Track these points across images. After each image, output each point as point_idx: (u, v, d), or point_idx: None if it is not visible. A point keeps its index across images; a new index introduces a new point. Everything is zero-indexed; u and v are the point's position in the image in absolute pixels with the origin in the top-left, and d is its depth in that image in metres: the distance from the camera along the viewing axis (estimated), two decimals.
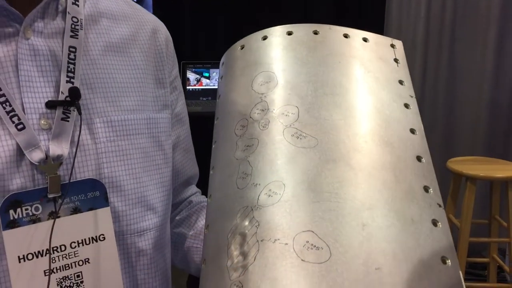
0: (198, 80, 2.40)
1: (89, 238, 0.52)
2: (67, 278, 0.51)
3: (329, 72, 0.45)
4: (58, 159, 0.50)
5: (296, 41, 0.47)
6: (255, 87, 0.46)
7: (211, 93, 2.42)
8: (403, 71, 0.47)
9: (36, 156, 0.49)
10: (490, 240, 2.16)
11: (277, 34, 0.48)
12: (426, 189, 0.39)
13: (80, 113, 0.52)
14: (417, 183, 0.39)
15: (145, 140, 0.59)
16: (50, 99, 0.51)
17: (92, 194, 0.53)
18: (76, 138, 0.52)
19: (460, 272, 0.36)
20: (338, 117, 0.42)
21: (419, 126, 0.44)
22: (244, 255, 0.36)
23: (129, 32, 0.61)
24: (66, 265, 0.51)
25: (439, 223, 0.37)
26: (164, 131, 0.62)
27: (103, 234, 0.53)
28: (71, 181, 0.51)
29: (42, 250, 0.50)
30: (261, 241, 0.36)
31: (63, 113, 0.52)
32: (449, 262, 0.35)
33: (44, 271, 0.50)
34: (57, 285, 0.50)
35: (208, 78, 2.41)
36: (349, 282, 0.33)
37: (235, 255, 0.37)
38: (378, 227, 0.36)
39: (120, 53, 0.59)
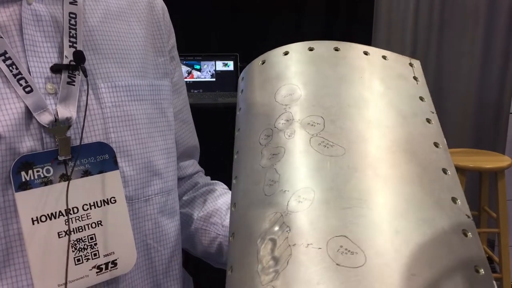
0: (189, 73, 2.40)
1: (100, 201, 0.52)
2: (81, 240, 0.51)
3: (351, 87, 0.45)
4: (67, 122, 0.50)
5: (318, 57, 0.47)
6: (278, 99, 0.45)
7: (202, 86, 2.42)
8: (422, 89, 0.48)
9: (45, 118, 0.49)
10: (479, 231, 2.18)
11: (298, 49, 0.49)
12: (454, 200, 0.39)
13: (86, 76, 0.52)
14: (445, 194, 0.39)
15: (149, 106, 0.59)
16: (55, 63, 0.51)
17: (101, 157, 0.53)
18: (82, 103, 0.52)
19: (494, 282, 0.36)
20: (364, 128, 0.42)
21: (442, 140, 0.44)
22: (275, 259, 0.35)
23: (126, 1, 0.62)
24: (80, 227, 0.51)
25: (469, 234, 0.37)
26: (166, 98, 0.62)
27: (114, 197, 0.53)
28: (80, 144, 0.51)
29: (56, 212, 0.50)
30: (293, 245, 0.35)
31: (69, 77, 0.52)
32: (482, 271, 0.35)
33: (58, 233, 0.50)
34: (72, 247, 0.50)
35: (199, 70, 2.41)
36: (386, 287, 0.33)
37: (266, 260, 0.36)
38: (411, 234, 0.36)
39: (119, 21, 0.59)
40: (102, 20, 0.57)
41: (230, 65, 2.46)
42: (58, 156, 0.50)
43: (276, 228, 0.37)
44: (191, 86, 2.41)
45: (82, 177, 0.51)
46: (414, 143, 0.42)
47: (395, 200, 0.37)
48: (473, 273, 0.35)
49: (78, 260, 0.51)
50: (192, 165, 0.74)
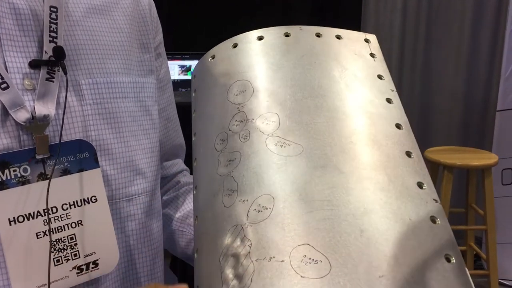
0: (182, 70, 2.38)
1: (80, 200, 0.51)
2: (60, 241, 0.50)
3: (305, 74, 0.43)
4: (45, 119, 0.49)
5: (268, 46, 0.46)
6: (230, 98, 0.44)
7: (189, 85, 2.41)
8: (380, 65, 0.46)
9: (22, 116, 0.48)
10: (467, 228, 2.20)
11: (247, 40, 0.47)
12: (420, 185, 0.38)
13: (65, 73, 0.51)
14: (410, 180, 0.38)
15: (132, 104, 0.58)
16: (33, 58, 0.50)
17: (81, 155, 0.52)
18: (61, 100, 0.51)
19: (466, 269, 0.34)
20: (321, 120, 0.40)
21: (404, 120, 0.42)
22: (239, 278, 0.34)
23: None
24: (59, 228, 0.50)
25: (438, 220, 0.36)
26: (150, 96, 0.61)
27: (94, 196, 0.52)
28: (59, 142, 0.50)
29: (34, 212, 0.48)
30: (256, 260, 0.34)
31: (48, 73, 0.50)
32: (453, 260, 0.34)
33: (37, 233, 0.48)
34: (51, 247, 0.49)
35: (188, 69, 2.39)
36: None
37: (230, 279, 0.35)
38: (376, 231, 0.34)
39: (103, 16, 0.58)
40: (85, 14, 0.56)
41: None
42: (36, 155, 0.49)
43: (238, 243, 0.36)
44: (179, 84, 2.39)
45: (61, 176, 0.50)
46: (375, 128, 0.41)
47: (359, 196, 0.36)
48: (444, 263, 0.34)
49: (58, 261, 0.49)
50: (176, 164, 0.73)
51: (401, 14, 2.54)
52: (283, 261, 0.33)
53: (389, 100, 0.43)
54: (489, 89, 2.53)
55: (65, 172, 0.50)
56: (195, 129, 0.47)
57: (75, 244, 0.51)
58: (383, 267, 0.32)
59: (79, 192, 0.51)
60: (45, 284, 0.48)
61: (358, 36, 0.48)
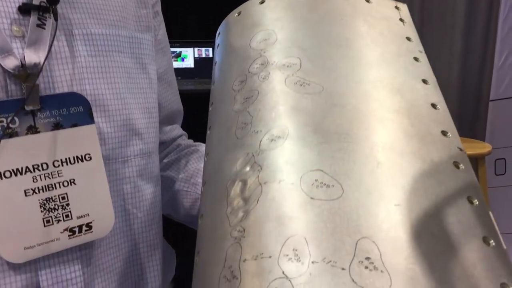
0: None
1: (73, 157, 0.47)
2: (51, 200, 0.46)
3: (331, 27, 0.42)
4: (36, 68, 0.45)
5: (296, 2, 0.45)
6: (253, 45, 0.43)
7: (181, 73, 2.37)
8: (409, 29, 0.45)
9: (10, 63, 0.44)
10: None
11: None
12: (444, 133, 0.36)
13: (56, 19, 0.47)
14: (434, 128, 0.36)
15: (128, 60, 0.54)
16: (23, 2, 0.46)
17: (75, 109, 0.48)
18: (54, 49, 0.47)
19: (491, 213, 0.33)
20: (344, 65, 0.39)
21: (431, 77, 0.41)
22: (245, 200, 0.33)
23: None
24: (50, 185, 0.46)
25: (461, 165, 0.34)
26: (147, 54, 0.57)
27: (89, 154, 0.48)
28: (50, 94, 0.46)
29: (22, 168, 0.44)
30: (265, 183, 0.33)
31: (39, 19, 0.46)
32: (476, 202, 0.32)
33: (25, 191, 0.44)
34: (40, 206, 0.45)
35: (179, 56, 2.36)
36: (364, 218, 0.29)
37: (235, 202, 0.33)
38: (394, 165, 0.33)
39: None
40: None
41: (210, 52, 2.41)
42: (25, 106, 0.45)
43: (247, 169, 0.34)
44: None
45: (52, 130, 0.46)
46: (400, 79, 0.39)
47: (379, 133, 0.35)
48: (466, 204, 0.32)
49: (48, 221, 0.45)
50: (175, 129, 0.70)
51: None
52: (293, 183, 0.32)
53: (416, 59, 0.42)
54: (482, 79, 2.52)
55: (57, 126, 0.47)
56: (214, 79, 0.46)
57: (67, 204, 0.47)
58: (400, 197, 0.31)
59: (72, 148, 0.47)
60: (34, 246, 0.44)
61: (389, 3, 0.47)
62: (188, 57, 2.39)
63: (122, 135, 0.52)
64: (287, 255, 0.28)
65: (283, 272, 0.28)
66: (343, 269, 0.27)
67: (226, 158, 0.37)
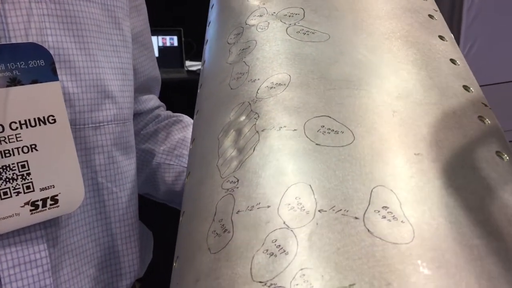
0: None
1: (34, 119, 0.40)
2: (8, 168, 0.39)
3: None
4: None
5: None
6: (251, 0, 0.39)
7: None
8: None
9: None
10: None
11: None
12: (466, 88, 0.33)
13: None
14: (455, 81, 0.32)
15: (98, 11, 0.47)
16: None
17: (34, 62, 0.41)
18: None
19: None
20: (353, 16, 0.35)
21: (449, 35, 0.37)
22: (240, 149, 0.29)
23: None
24: (6, 151, 0.39)
25: (487, 120, 0.31)
26: (120, 7, 0.51)
27: (52, 116, 0.41)
28: (6, 43, 0.39)
29: None
30: (262, 131, 0.28)
31: None
32: (506, 157, 0.28)
33: None
34: None
35: None
36: (380, 166, 0.25)
37: (228, 152, 0.29)
38: (413, 113, 0.29)
39: None
40: None
41: (174, 41, 2.33)
42: None
43: (243, 118, 0.30)
44: None
45: (8, 86, 0.39)
46: (414, 34, 0.35)
47: (394, 81, 0.31)
48: (495, 158, 0.28)
49: (5, 193, 0.38)
50: (152, 100, 0.63)
51: None
52: (295, 130, 0.28)
53: (431, 16, 0.38)
54: None
55: (14, 81, 0.39)
56: (207, 37, 0.42)
57: (28, 174, 0.40)
58: (421, 146, 0.27)
59: (32, 108, 0.40)
60: None
61: None
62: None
63: (92, 97, 0.45)
64: (289, 204, 0.25)
65: (284, 222, 0.24)
66: (356, 218, 0.23)
67: (219, 110, 0.32)
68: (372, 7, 0.37)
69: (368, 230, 0.23)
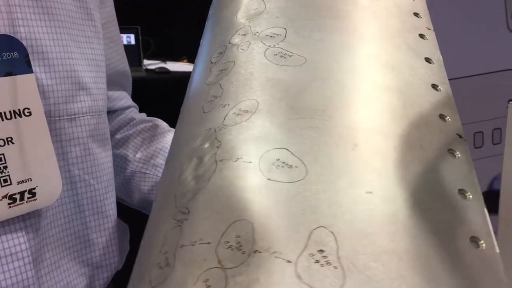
0: None
1: (10, 112, 0.40)
2: None
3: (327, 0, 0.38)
4: None
5: None
6: (239, 15, 0.39)
7: None
8: (420, 4, 0.41)
9: None
10: None
11: None
12: (442, 117, 0.32)
13: None
14: (432, 110, 0.31)
15: (70, 2, 0.47)
16: None
17: (8, 55, 0.40)
18: None
19: (485, 209, 0.28)
20: (334, 38, 0.35)
21: (437, 56, 0.36)
22: (197, 178, 0.28)
23: None
24: None
25: (458, 153, 0.29)
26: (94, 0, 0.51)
27: (28, 108, 0.41)
28: None
29: None
30: (220, 161, 0.28)
31: None
32: (470, 196, 0.27)
33: None
34: None
35: None
36: (326, 205, 0.25)
37: (187, 180, 0.29)
38: (374, 148, 0.28)
39: None
40: None
41: (132, 39, 2.30)
42: None
43: (207, 145, 0.30)
44: None
45: None
46: (398, 57, 0.34)
47: (362, 112, 0.30)
48: (457, 196, 0.27)
49: None
50: (124, 98, 0.63)
51: None
52: (251, 162, 0.27)
53: (422, 36, 0.38)
54: None
55: None
56: (197, 56, 0.42)
57: (5, 167, 0.39)
58: (374, 184, 0.26)
59: (8, 101, 0.40)
60: None
61: None
62: None
63: (67, 89, 0.45)
64: (228, 242, 0.24)
65: (219, 262, 0.23)
66: (288, 261, 0.22)
67: (190, 133, 0.32)
68: (359, 27, 0.36)
69: (298, 276, 0.22)
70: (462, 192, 0.27)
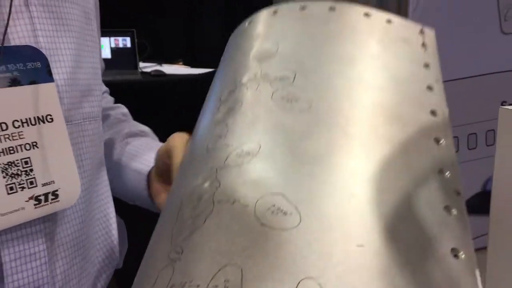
0: None
1: (34, 118, 0.42)
2: (13, 164, 0.41)
3: (339, 44, 0.39)
4: None
5: (308, 16, 0.41)
6: (252, 56, 0.40)
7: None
8: (431, 56, 0.41)
9: None
10: None
11: (289, 9, 0.42)
12: (441, 172, 0.32)
13: None
14: (431, 166, 0.32)
15: (79, 13, 0.50)
16: None
17: (32, 64, 0.43)
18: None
19: (478, 272, 0.29)
20: (342, 84, 0.35)
21: (442, 109, 0.37)
22: (194, 218, 0.29)
23: None
24: (11, 148, 0.41)
25: (453, 210, 0.30)
26: (91, 8, 0.53)
27: (50, 115, 0.44)
28: (5, 45, 0.41)
29: None
30: (218, 202, 0.29)
31: None
32: (462, 254, 0.28)
33: None
34: (2, 171, 0.40)
35: None
36: (316, 256, 0.25)
37: (185, 218, 0.30)
38: (370, 200, 0.28)
39: None
40: None
41: (127, 42, 2.31)
42: None
43: (207, 184, 0.30)
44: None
45: (9, 86, 0.41)
46: (404, 107, 0.35)
47: (362, 162, 0.30)
48: (448, 256, 0.28)
49: (11, 188, 0.40)
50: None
51: None
52: (247, 205, 0.27)
53: (430, 88, 0.38)
54: None
55: (14, 82, 0.41)
56: (209, 92, 0.43)
57: (31, 170, 0.42)
58: (366, 238, 0.26)
59: (32, 108, 0.42)
60: None
61: (413, 25, 0.43)
62: (105, 47, 2.27)
63: (78, 95, 0.48)
64: (216, 286, 0.24)
65: None
66: None
67: (194, 169, 0.33)
68: (367, 75, 0.37)
69: None
70: (455, 252, 0.28)
